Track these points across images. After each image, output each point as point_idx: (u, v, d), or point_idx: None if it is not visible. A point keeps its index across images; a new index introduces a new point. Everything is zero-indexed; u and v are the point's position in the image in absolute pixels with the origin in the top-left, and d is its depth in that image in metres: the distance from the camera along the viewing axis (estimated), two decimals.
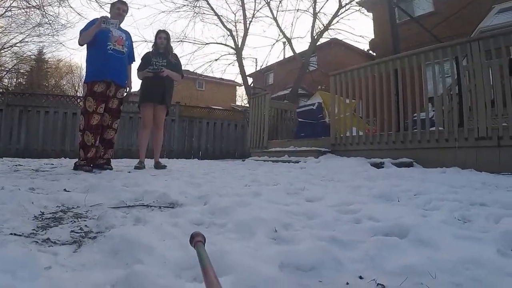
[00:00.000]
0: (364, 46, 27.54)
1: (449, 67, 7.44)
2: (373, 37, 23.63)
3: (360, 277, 1.70)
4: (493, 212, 3.03)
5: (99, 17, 5.73)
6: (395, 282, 1.60)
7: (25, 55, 32.65)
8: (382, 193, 3.91)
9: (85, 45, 5.91)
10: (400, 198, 3.80)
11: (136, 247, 1.73)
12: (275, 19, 22.70)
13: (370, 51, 25.84)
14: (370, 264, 1.84)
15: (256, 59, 33.33)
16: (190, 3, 22.11)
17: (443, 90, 7.31)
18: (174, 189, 3.76)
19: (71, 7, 31.62)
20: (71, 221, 2.62)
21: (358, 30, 67.35)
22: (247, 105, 21.73)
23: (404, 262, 1.79)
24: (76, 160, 5.98)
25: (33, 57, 37.27)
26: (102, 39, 5.85)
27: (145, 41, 22.95)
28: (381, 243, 2.06)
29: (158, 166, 6.87)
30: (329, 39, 25.39)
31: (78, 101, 13.36)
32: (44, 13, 20.06)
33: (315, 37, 22.01)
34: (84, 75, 6.21)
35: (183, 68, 7.93)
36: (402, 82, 7.46)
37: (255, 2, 26.87)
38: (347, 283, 1.61)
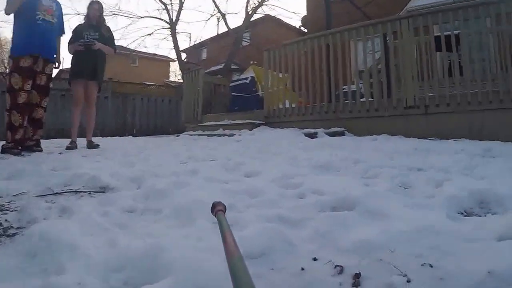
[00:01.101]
0: (297, 23, 27.62)
1: (378, 43, 7.72)
2: (305, 14, 23.65)
3: (315, 259, 1.56)
4: (431, 176, 3.09)
5: None
6: (353, 261, 1.50)
7: None
8: (321, 163, 3.85)
9: (13, 15, 5.24)
10: (340, 167, 3.79)
11: (58, 248, 1.47)
12: None
13: (302, 28, 25.97)
14: (323, 242, 1.73)
15: (190, 34, 32.50)
16: None
17: (372, 64, 7.68)
18: (106, 171, 3.49)
19: None
20: None
21: (291, 6, 67.08)
22: (181, 80, 21.14)
23: (358, 237, 1.70)
24: (3, 142, 5.44)
25: None
26: (30, 8, 5.36)
27: (78, 14, 21.42)
28: (331, 218, 1.97)
29: (90, 145, 6.43)
30: (263, 15, 25.32)
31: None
32: None
33: (249, 13, 21.82)
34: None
35: (116, 43, 7.39)
36: (334, 56, 7.50)
37: None
38: (302, 269, 1.47)
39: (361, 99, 7.33)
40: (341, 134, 6.94)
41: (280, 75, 8.93)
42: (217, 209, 1.25)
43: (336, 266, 1.43)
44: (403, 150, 4.94)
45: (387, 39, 7.34)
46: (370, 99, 7.26)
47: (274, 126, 8.22)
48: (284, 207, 2.28)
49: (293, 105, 8.28)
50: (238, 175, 3.51)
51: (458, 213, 2.23)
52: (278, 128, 7.82)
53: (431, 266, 1.41)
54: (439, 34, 6.73)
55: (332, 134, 6.82)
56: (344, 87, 7.95)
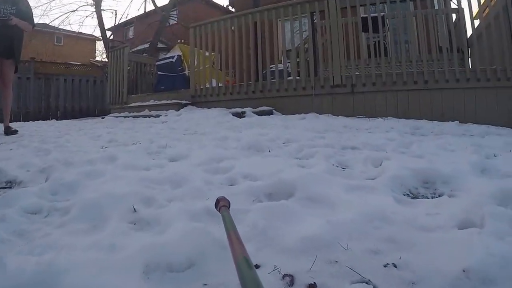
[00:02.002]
0: (224, 2, 26.97)
1: (306, 23, 7.65)
2: None
3: (257, 266, 1.23)
4: (368, 155, 2.93)
5: None
6: (304, 265, 1.22)
7: None
8: (251, 144, 3.52)
9: None
10: (271, 147, 3.49)
11: None
12: None
13: (230, 7, 25.40)
14: (264, 241, 1.41)
15: (115, 11, 30.55)
16: None
17: (299, 43, 7.64)
18: (16, 161, 2.96)
19: None
20: None
21: None
22: (107, 59, 19.86)
23: (304, 232, 1.41)
24: None
25: None
26: None
27: None
28: (269, 210, 1.66)
29: (8, 131, 5.64)
30: None
31: None
32: None
33: None
34: None
35: (39, 21, 6.49)
36: (261, 35, 7.60)
37: None
38: None
39: (289, 78, 7.16)
40: (269, 113, 6.80)
41: (207, 54, 8.56)
42: (221, 205, 1.20)
43: (284, 275, 1.13)
44: (333, 128, 4.83)
45: (314, 19, 7.27)
46: (298, 77, 7.15)
47: (201, 106, 7.90)
48: (213, 197, 1.92)
49: (220, 84, 7.93)
50: (161, 160, 3.08)
51: (404, 194, 2.06)
52: (206, 108, 7.62)
53: (395, 266, 1.18)
54: (366, 15, 6.81)
55: (260, 113, 6.66)
56: (272, 66, 7.76)
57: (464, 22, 6.12)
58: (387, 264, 1.17)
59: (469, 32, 6.44)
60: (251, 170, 2.45)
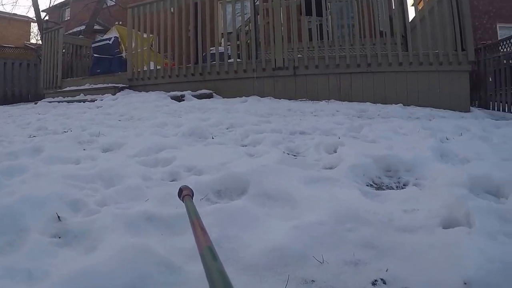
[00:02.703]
0: None
1: (248, 5, 7.34)
2: None
3: None
4: (319, 141, 2.73)
5: None
6: (273, 284, 0.91)
7: None
8: (192, 130, 3.19)
9: None
10: (214, 133, 3.21)
11: None
12: None
13: None
14: (222, 255, 1.08)
15: None
16: None
17: (241, 25, 7.37)
18: None
19: None
20: None
21: None
22: (41, 42, 18.38)
23: (268, 243, 1.15)
24: None
25: None
26: None
27: None
28: (221, 214, 1.37)
29: None
30: None
31: None
32: None
33: None
34: None
35: None
36: (201, 17, 7.18)
37: None
38: None
39: (229, 60, 6.86)
40: (209, 96, 6.50)
41: (145, 36, 8.05)
42: (184, 193, 1.12)
43: None
44: (277, 112, 4.61)
45: (256, 1, 7.04)
46: (239, 60, 6.85)
47: (139, 90, 7.42)
48: (153, 198, 1.60)
49: (159, 67, 7.51)
50: (93, 151, 2.65)
51: (368, 185, 1.87)
52: (144, 92, 7.17)
53: (384, 282, 0.96)
54: None
55: (200, 97, 6.34)
56: (212, 48, 7.41)
57: (406, 7, 6.14)
58: (375, 281, 0.95)
59: (411, 17, 6.51)
60: (195, 161, 2.15)
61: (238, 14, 7.38)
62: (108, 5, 20.80)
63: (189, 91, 6.53)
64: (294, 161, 2.23)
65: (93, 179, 1.88)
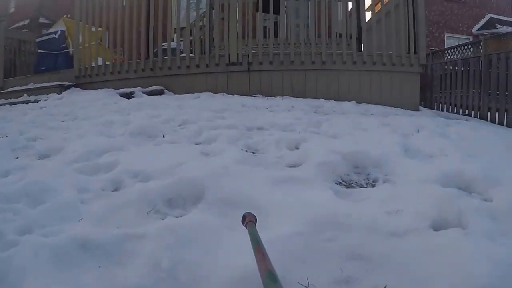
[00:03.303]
0: None
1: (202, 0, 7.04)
2: None
3: None
4: (279, 137, 2.56)
5: None
6: None
7: None
8: (141, 128, 2.89)
9: None
10: (165, 131, 2.92)
11: None
12: None
13: None
14: None
15: None
16: None
17: (195, 19, 7.05)
18: None
19: None
20: None
21: None
22: None
23: (237, 270, 0.95)
24: None
25: None
26: None
27: None
28: (174, 235, 1.11)
29: None
30: None
31: None
32: None
33: None
34: None
35: None
36: (154, 9, 6.67)
37: None
38: None
39: (182, 55, 6.53)
40: (161, 92, 6.16)
41: (93, 29, 7.45)
42: (248, 220, 1.10)
43: None
44: (231, 107, 4.38)
45: None
46: (191, 55, 6.52)
47: (87, 88, 6.89)
48: (89, 216, 1.29)
49: (107, 63, 6.97)
50: (27, 158, 2.23)
51: (337, 183, 1.72)
52: (92, 90, 6.55)
53: None
54: None
55: (151, 93, 5.98)
56: (164, 44, 7.02)
57: (363, 9, 6.14)
58: None
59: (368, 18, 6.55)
60: (143, 164, 1.86)
61: (193, 9, 7.09)
62: None
63: (139, 88, 6.13)
64: (254, 160, 2.01)
65: (18, 196, 1.50)
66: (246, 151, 2.27)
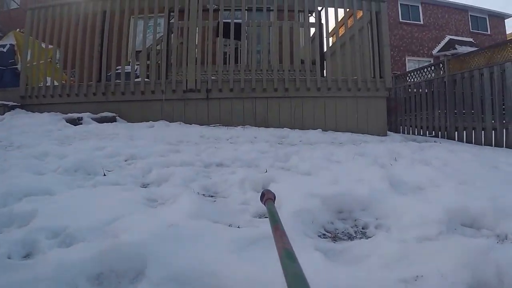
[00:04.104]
0: None
1: (161, 23, 6.74)
2: None
3: None
4: (243, 176, 2.17)
5: None
6: None
7: None
8: (79, 163, 2.42)
9: None
10: (108, 167, 2.48)
11: None
12: None
13: None
14: None
15: None
16: None
17: (152, 44, 6.55)
18: None
19: None
20: None
21: None
22: None
23: None
24: None
25: None
26: None
27: None
28: None
29: None
30: None
31: None
32: None
33: None
34: None
35: None
36: (109, 29, 6.27)
37: None
38: None
39: (136, 80, 6.09)
40: (112, 120, 5.68)
41: (43, 45, 6.84)
42: (266, 197, 1.12)
43: None
44: (188, 138, 4.00)
45: (171, 19, 6.46)
46: (146, 80, 6.11)
47: (32, 110, 6.20)
48: None
49: (56, 84, 6.39)
50: None
51: (320, 236, 1.36)
52: (38, 113, 5.95)
53: None
54: (229, 20, 6.14)
55: (101, 120, 5.49)
56: (119, 68, 6.55)
57: (327, 34, 6.01)
58: None
59: (331, 42, 6.46)
60: (69, 216, 1.42)
61: (150, 33, 6.70)
62: (10, 7, 18.74)
63: (88, 113, 5.61)
64: (214, 209, 1.61)
65: None
66: (204, 195, 1.88)
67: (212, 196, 1.89)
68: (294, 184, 1.80)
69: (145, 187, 2.08)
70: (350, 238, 1.36)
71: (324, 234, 1.35)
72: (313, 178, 2.07)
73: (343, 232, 1.40)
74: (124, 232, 1.24)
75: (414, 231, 1.32)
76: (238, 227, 1.37)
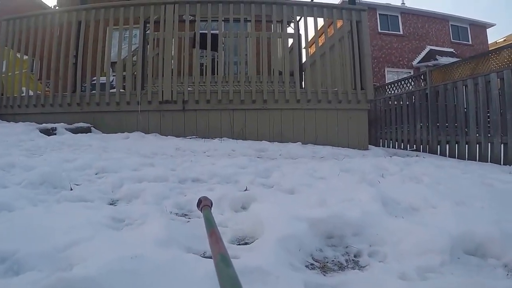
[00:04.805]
0: (53, 2, 23.61)
1: (137, 34, 6.52)
2: None
3: None
4: (219, 193, 2.01)
5: None
6: None
7: None
8: (46, 176, 2.20)
9: None
10: (77, 181, 2.27)
11: None
12: None
13: (57, 7, 22.34)
14: None
15: None
16: None
17: (128, 54, 6.46)
18: None
19: None
20: None
21: None
22: None
23: None
24: None
25: None
26: None
27: None
28: None
29: None
30: None
31: None
32: None
33: None
34: None
35: None
36: (84, 40, 6.07)
37: None
38: None
39: (111, 90, 5.89)
40: (87, 130, 5.50)
41: (18, 55, 6.64)
42: (203, 204, 1.16)
43: None
44: (163, 151, 3.81)
45: (147, 29, 6.32)
46: (122, 90, 5.90)
47: (7, 119, 6.10)
48: None
49: (31, 94, 6.18)
50: None
51: (308, 266, 1.24)
52: (12, 122, 5.77)
53: None
54: (205, 31, 6.08)
55: (76, 131, 5.33)
56: (94, 78, 6.38)
57: (305, 45, 5.93)
58: None
59: (311, 52, 6.32)
60: (22, 238, 1.23)
61: (126, 44, 6.53)
62: None
63: (62, 124, 5.41)
64: (187, 233, 1.41)
65: None
66: (177, 214, 1.70)
67: (185, 215, 1.71)
68: (278, 205, 1.63)
69: (113, 205, 1.89)
70: (341, 268, 1.19)
71: (312, 264, 1.18)
72: (298, 197, 1.90)
73: (333, 261, 1.23)
74: (79, 262, 1.06)
75: (414, 261, 1.18)
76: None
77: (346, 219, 1.42)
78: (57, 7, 22.59)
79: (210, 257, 1.21)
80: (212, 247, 0.77)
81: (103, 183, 2.29)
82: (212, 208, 1.88)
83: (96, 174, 2.58)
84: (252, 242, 1.28)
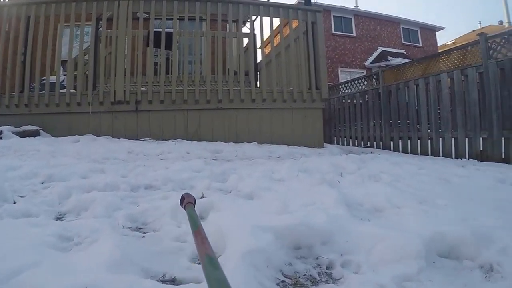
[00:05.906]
0: None
1: (89, 32, 6.18)
2: None
3: None
4: (174, 202, 1.73)
5: None
6: None
7: None
8: None
9: None
10: (20, 192, 2.04)
11: None
12: None
13: (5, 0, 20.88)
14: None
15: None
16: None
17: (79, 53, 6.06)
18: None
19: None
20: None
21: None
22: None
23: None
24: None
25: None
26: None
27: None
28: None
29: None
30: None
31: None
32: None
33: None
34: None
35: None
36: (33, 39, 5.64)
37: None
38: None
39: (61, 91, 5.55)
40: (36, 133, 5.18)
41: None
42: (186, 201, 1.13)
43: None
44: (114, 155, 3.59)
45: (99, 27, 6.05)
46: (73, 91, 5.57)
47: None
48: None
49: None
50: None
51: (279, 284, 1.07)
52: None
53: None
54: (160, 29, 5.84)
55: (23, 134, 5.01)
56: (43, 78, 5.98)
57: (261, 45, 5.85)
58: None
59: (266, 52, 6.29)
60: None
61: (77, 43, 6.19)
62: None
63: (9, 127, 5.00)
64: (141, 251, 1.24)
65: None
66: (130, 228, 1.54)
67: (140, 229, 1.55)
68: (238, 213, 1.50)
69: (61, 219, 1.68)
70: (315, 283, 1.09)
71: (283, 281, 1.07)
72: (258, 203, 1.78)
73: (305, 275, 1.12)
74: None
75: (390, 269, 1.10)
76: (174, 279, 1.06)
77: (313, 227, 1.32)
78: (5, 0, 21.29)
79: (171, 281, 1.08)
80: (198, 248, 0.76)
81: (49, 193, 2.06)
82: (168, 218, 1.76)
83: (42, 183, 2.33)
84: (220, 257, 1.15)
